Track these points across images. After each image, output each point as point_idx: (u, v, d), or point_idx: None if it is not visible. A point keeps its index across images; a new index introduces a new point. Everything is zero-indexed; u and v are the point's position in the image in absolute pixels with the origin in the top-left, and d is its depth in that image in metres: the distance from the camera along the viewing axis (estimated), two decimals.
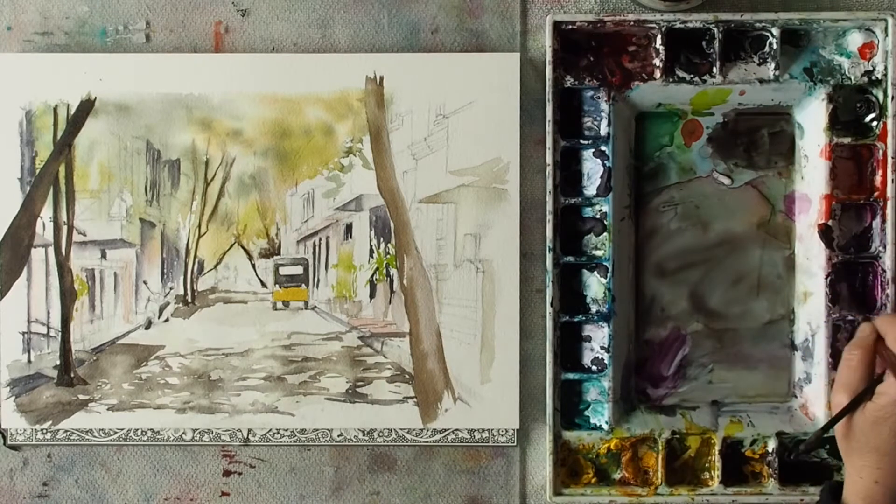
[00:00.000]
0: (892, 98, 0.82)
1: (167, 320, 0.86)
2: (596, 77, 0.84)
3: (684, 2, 0.82)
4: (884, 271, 0.83)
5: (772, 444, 0.83)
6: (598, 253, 0.84)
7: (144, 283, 0.86)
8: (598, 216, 0.84)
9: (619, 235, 0.84)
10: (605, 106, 0.83)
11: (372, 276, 0.86)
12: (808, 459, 0.83)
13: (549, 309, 0.83)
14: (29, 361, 0.85)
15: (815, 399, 0.84)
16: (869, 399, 0.69)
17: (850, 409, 0.70)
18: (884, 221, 0.83)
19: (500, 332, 0.85)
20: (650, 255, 0.86)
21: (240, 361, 0.86)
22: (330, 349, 0.86)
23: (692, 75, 0.83)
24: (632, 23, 0.82)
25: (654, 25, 0.82)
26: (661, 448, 0.84)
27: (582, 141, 0.84)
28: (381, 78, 0.85)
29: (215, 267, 0.86)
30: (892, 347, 0.69)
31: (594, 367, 0.85)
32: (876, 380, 0.70)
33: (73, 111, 0.85)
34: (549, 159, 0.83)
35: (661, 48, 0.82)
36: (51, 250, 0.85)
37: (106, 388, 0.86)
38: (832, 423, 0.71)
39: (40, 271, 0.85)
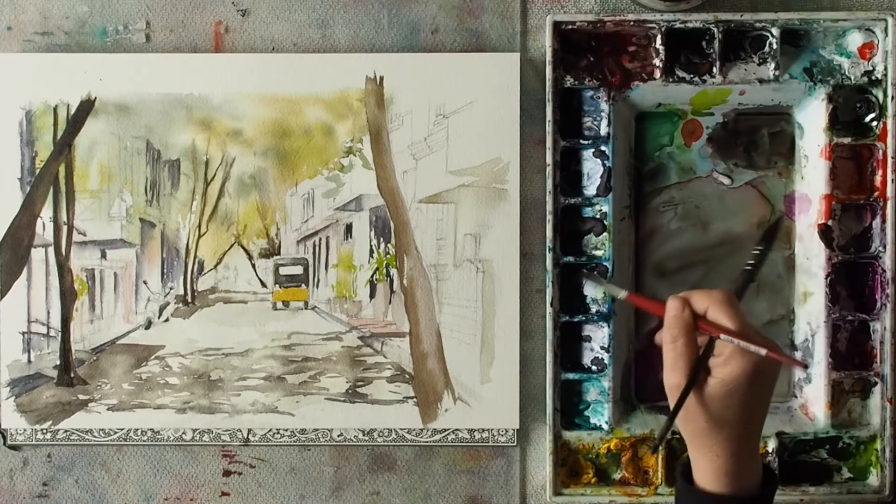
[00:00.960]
0: (892, 98, 0.82)
1: (167, 320, 0.86)
2: (596, 77, 0.84)
3: (684, 2, 0.82)
4: (884, 271, 0.83)
5: (772, 444, 0.83)
6: (598, 253, 0.84)
7: (144, 283, 0.86)
8: (598, 216, 0.84)
9: (619, 235, 0.84)
10: (605, 106, 0.83)
11: (372, 276, 0.86)
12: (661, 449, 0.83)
13: (549, 309, 0.83)
14: (29, 361, 0.85)
15: (815, 399, 0.84)
16: (706, 376, 0.68)
17: (689, 391, 0.67)
18: (884, 221, 0.83)
19: (500, 332, 0.85)
20: (650, 255, 0.86)
21: (240, 361, 0.86)
22: (330, 349, 0.86)
23: (692, 75, 0.83)
24: (632, 23, 0.82)
25: (654, 25, 0.82)
26: (661, 448, 0.84)
27: (582, 141, 0.84)
28: (381, 78, 0.85)
29: (215, 267, 0.86)
30: (714, 319, 0.68)
31: (594, 367, 0.85)
32: (704, 355, 0.68)
33: (73, 111, 0.85)
34: (549, 159, 0.83)
35: (661, 48, 0.82)
36: (51, 250, 0.85)
37: (106, 388, 0.86)
38: (678, 407, 0.68)
39: (40, 271, 0.85)
